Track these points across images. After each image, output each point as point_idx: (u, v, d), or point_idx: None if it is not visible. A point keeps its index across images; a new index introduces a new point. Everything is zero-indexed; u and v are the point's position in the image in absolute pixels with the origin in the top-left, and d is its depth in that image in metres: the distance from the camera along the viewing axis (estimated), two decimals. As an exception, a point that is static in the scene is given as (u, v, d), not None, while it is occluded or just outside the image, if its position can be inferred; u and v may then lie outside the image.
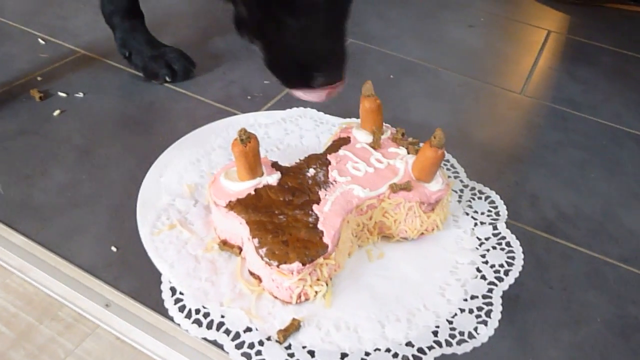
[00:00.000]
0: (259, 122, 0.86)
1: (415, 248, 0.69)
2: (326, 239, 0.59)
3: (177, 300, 0.59)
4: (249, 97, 0.95)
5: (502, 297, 0.64)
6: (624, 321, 0.66)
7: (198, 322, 0.57)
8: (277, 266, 0.57)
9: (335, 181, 0.66)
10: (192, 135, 0.82)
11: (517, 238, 0.73)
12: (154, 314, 0.59)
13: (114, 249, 0.66)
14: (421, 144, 0.72)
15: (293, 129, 0.86)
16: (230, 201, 0.62)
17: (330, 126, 0.87)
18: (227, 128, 0.84)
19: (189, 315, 0.58)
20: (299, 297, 0.60)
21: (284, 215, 0.61)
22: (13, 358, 0.55)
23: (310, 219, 0.61)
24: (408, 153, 0.71)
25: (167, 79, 0.94)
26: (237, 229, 0.62)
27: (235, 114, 0.90)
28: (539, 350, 0.61)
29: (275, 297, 0.60)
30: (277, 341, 0.56)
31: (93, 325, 0.58)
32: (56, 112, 0.86)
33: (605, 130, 0.99)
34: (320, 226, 0.61)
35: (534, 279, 0.69)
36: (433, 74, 1.09)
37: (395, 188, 0.65)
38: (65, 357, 0.55)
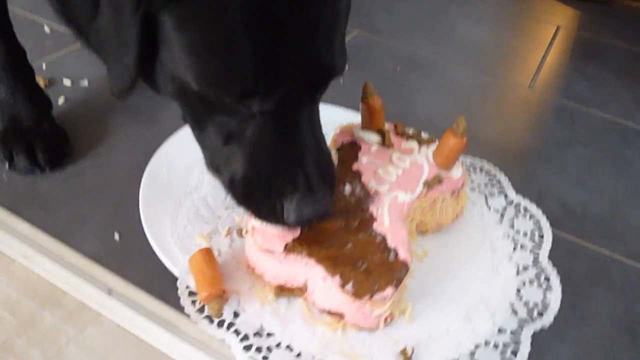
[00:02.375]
0: None
1: (449, 236, 0.69)
2: (403, 255, 0.56)
3: None
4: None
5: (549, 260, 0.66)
6: (630, 318, 0.65)
7: None
8: (370, 298, 0.53)
9: (376, 192, 0.63)
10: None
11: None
12: (157, 302, 0.58)
13: (117, 237, 0.65)
14: (423, 133, 0.72)
15: None
16: (287, 244, 0.56)
17: None
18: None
19: None
20: (386, 320, 0.57)
21: (350, 243, 0.57)
22: (16, 344, 0.54)
23: (378, 239, 0.57)
24: (420, 144, 0.70)
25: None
26: (300, 271, 0.57)
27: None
28: (544, 346, 0.60)
29: (361, 328, 0.56)
30: None
31: (96, 313, 0.58)
32: (61, 100, 0.85)
33: (614, 128, 0.98)
34: (390, 244, 0.57)
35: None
36: (440, 69, 1.08)
37: (430, 184, 0.65)
38: (67, 343, 0.55)
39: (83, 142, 0.78)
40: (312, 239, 0.57)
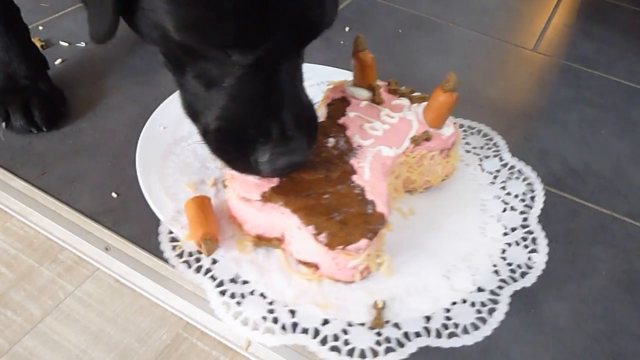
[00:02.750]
0: None
1: (438, 195, 0.68)
2: (380, 208, 0.56)
3: (237, 314, 0.53)
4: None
5: (538, 222, 0.66)
6: (630, 275, 0.65)
7: (270, 331, 0.52)
8: (343, 248, 0.53)
9: (360, 146, 0.62)
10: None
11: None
12: (153, 257, 0.59)
13: (114, 195, 0.65)
14: (417, 93, 0.70)
15: None
16: (264, 192, 0.56)
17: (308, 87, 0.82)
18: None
19: (255, 327, 0.52)
20: (362, 273, 0.57)
21: (328, 194, 0.56)
22: (14, 298, 0.55)
23: (357, 191, 0.57)
24: (411, 102, 0.69)
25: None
26: (277, 220, 0.57)
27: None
28: (542, 303, 0.60)
29: (337, 280, 0.57)
30: (370, 328, 0.53)
31: (93, 268, 0.58)
32: (58, 61, 0.85)
33: (619, 88, 0.97)
34: (369, 196, 0.57)
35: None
36: (443, 29, 1.06)
37: (417, 140, 0.63)
38: (65, 298, 0.55)
39: (80, 102, 0.78)
40: (290, 189, 0.56)
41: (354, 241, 0.53)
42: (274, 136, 0.50)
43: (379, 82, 0.72)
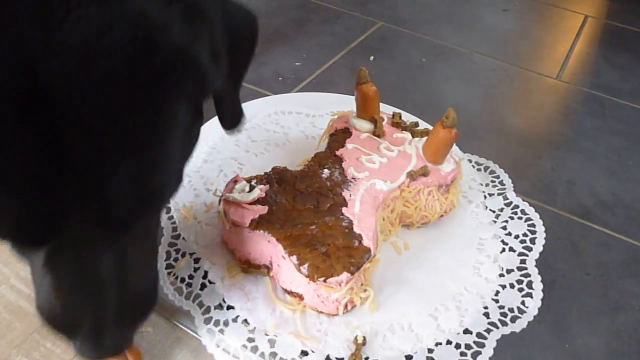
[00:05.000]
0: (237, 128, 0.79)
1: (436, 231, 0.68)
2: (366, 242, 0.56)
3: (220, 342, 0.54)
4: (280, 79, 0.95)
5: (536, 266, 0.64)
6: (664, 310, 0.64)
7: (248, 359, 0.53)
8: (324, 281, 0.53)
9: (354, 178, 0.62)
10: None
11: (552, 223, 0.72)
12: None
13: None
14: (419, 123, 0.71)
15: (276, 129, 0.80)
16: (252, 219, 0.57)
17: (311, 119, 0.83)
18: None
19: (236, 355, 0.53)
20: (346, 306, 0.57)
21: (315, 225, 0.57)
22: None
23: (344, 224, 0.57)
24: (413, 136, 0.69)
25: None
26: (264, 248, 0.58)
27: (266, 95, 0.89)
28: (575, 337, 0.60)
29: (320, 312, 0.57)
30: None
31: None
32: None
33: (645, 118, 0.96)
34: (356, 229, 0.57)
35: (570, 265, 0.68)
36: (467, 59, 1.07)
37: (413, 175, 0.64)
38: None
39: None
40: (279, 218, 0.57)
41: (336, 274, 0.53)
42: (86, 331, 0.43)
43: (386, 114, 0.72)
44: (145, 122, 0.34)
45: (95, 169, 0.34)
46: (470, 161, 0.79)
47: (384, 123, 0.70)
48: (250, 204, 0.58)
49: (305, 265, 0.53)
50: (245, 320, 0.56)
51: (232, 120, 0.51)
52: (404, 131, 0.70)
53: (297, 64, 0.99)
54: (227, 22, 0.41)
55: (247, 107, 0.84)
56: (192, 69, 0.36)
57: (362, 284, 0.57)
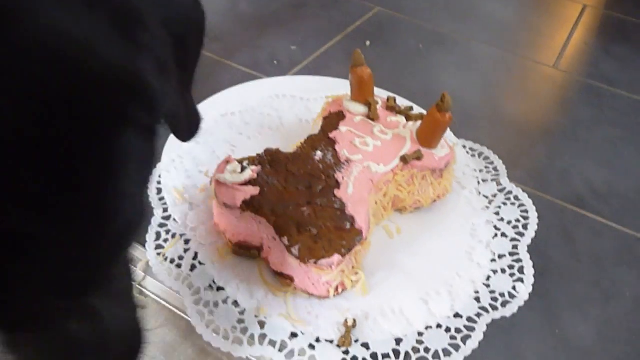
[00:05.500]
0: (231, 110, 0.79)
1: (429, 216, 0.67)
2: (358, 224, 0.55)
3: (209, 323, 0.54)
4: (275, 62, 0.94)
5: (528, 251, 0.64)
6: (656, 298, 0.64)
7: (238, 341, 0.53)
8: (315, 262, 0.52)
9: (347, 161, 0.62)
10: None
11: (546, 211, 0.72)
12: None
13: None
14: (414, 108, 0.70)
15: (270, 112, 0.79)
16: (244, 201, 0.56)
17: (306, 102, 0.82)
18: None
19: (226, 337, 0.53)
20: (336, 289, 0.56)
21: (307, 207, 0.56)
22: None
23: (336, 206, 0.57)
24: (407, 120, 0.68)
25: None
26: (255, 229, 0.57)
27: (261, 78, 0.89)
28: (566, 323, 0.60)
29: (311, 294, 0.57)
30: (338, 345, 0.53)
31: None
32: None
33: (641, 108, 0.96)
34: (348, 212, 0.56)
35: (562, 253, 0.67)
36: (464, 46, 1.06)
37: (407, 159, 0.63)
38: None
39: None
40: (270, 199, 0.57)
41: (327, 256, 0.53)
42: None
43: (381, 98, 0.72)
44: (81, 182, 0.25)
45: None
46: (464, 147, 0.78)
47: (378, 106, 0.69)
48: (241, 185, 0.57)
49: (296, 247, 0.53)
50: (236, 302, 0.56)
51: (189, 130, 0.42)
52: (398, 115, 0.69)
53: (292, 48, 0.98)
54: (166, 16, 0.32)
55: (242, 89, 0.83)
56: (136, 90, 0.26)
57: (353, 267, 0.57)
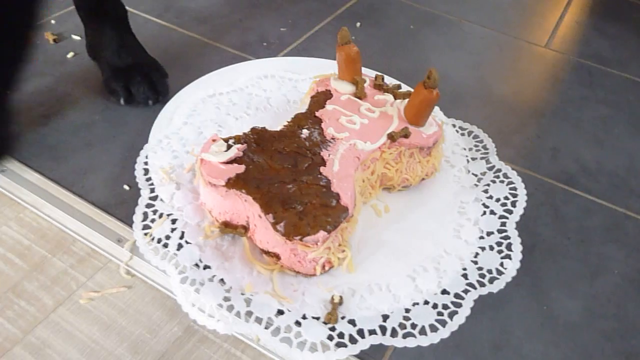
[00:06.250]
0: (219, 91, 0.78)
1: (417, 195, 0.67)
2: (344, 201, 0.55)
3: (195, 301, 0.54)
4: (264, 44, 0.94)
5: (516, 229, 0.64)
6: (643, 274, 0.64)
7: (224, 319, 0.52)
8: (301, 239, 0.52)
9: (334, 138, 0.62)
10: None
11: (535, 189, 0.72)
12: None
13: (126, 187, 0.66)
14: (403, 87, 0.69)
15: (258, 93, 0.79)
16: (229, 179, 0.56)
17: (294, 83, 0.81)
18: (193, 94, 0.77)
19: (211, 314, 0.53)
20: (323, 267, 0.56)
21: (292, 184, 0.56)
22: (27, 289, 0.55)
23: (322, 183, 0.57)
24: (395, 98, 0.68)
25: (121, 102, 0.77)
26: (241, 207, 0.57)
27: (250, 60, 0.88)
28: (554, 300, 0.60)
29: (297, 272, 0.56)
30: (324, 322, 0.53)
31: (105, 260, 0.58)
32: (70, 55, 0.85)
33: (633, 86, 0.95)
34: (334, 189, 0.56)
35: (551, 230, 0.67)
36: (455, 26, 1.06)
37: (394, 137, 0.63)
38: (77, 288, 0.56)
39: (93, 95, 0.78)
40: (255, 177, 0.57)
41: (312, 233, 0.52)
42: None
43: (369, 76, 0.71)
44: None
45: None
46: (454, 126, 0.78)
47: (365, 85, 0.69)
48: (226, 163, 0.57)
49: (282, 224, 0.53)
50: (222, 280, 0.56)
51: None
52: (385, 93, 0.69)
53: (282, 29, 0.98)
54: None
55: (230, 70, 0.83)
56: None
57: (339, 245, 0.56)
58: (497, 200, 0.67)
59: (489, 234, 0.63)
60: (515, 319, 0.58)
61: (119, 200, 0.64)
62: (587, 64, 0.99)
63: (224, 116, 0.74)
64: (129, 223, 0.61)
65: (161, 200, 0.62)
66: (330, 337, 0.52)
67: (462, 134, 0.77)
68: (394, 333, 0.53)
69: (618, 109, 0.89)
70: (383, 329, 0.53)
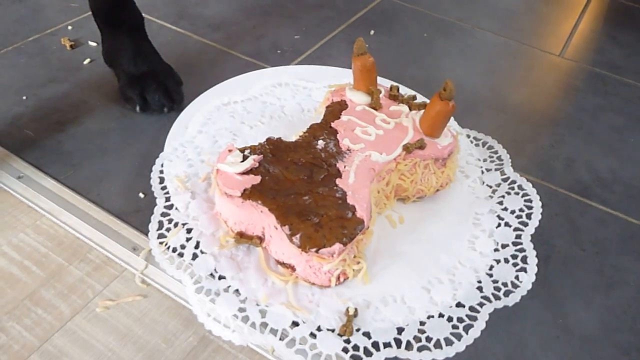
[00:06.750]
0: (233, 99, 0.78)
1: (432, 206, 0.67)
2: (360, 213, 0.55)
3: (211, 311, 0.54)
4: (278, 52, 0.94)
5: (531, 241, 0.64)
6: (659, 287, 0.64)
7: (240, 330, 0.53)
8: (316, 251, 0.52)
9: (349, 150, 0.62)
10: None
11: (550, 200, 0.71)
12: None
13: (141, 195, 0.66)
14: (418, 97, 0.69)
15: (272, 101, 0.79)
16: (245, 189, 0.56)
17: (308, 91, 0.82)
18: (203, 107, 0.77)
19: (227, 325, 0.53)
20: (338, 278, 0.56)
21: (308, 196, 0.56)
22: (44, 296, 0.56)
23: (338, 195, 0.57)
24: (410, 109, 0.68)
25: (137, 109, 0.77)
26: (256, 218, 0.57)
27: (264, 67, 0.88)
28: (569, 312, 0.60)
29: (313, 283, 0.57)
30: (339, 334, 0.53)
31: (121, 268, 0.59)
32: (86, 61, 0.86)
33: (648, 96, 0.95)
34: (350, 200, 0.56)
35: (566, 241, 0.67)
36: (469, 34, 1.05)
37: (410, 148, 0.62)
38: (93, 297, 0.56)
39: (108, 101, 0.79)
40: (271, 188, 0.57)
41: (328, 245, 0.52)
42: None
43: (384, 87, 0.71)
44: None
45: None
46: (468, 136, 0.78)
47: (381, 95, 0.69)
48: (242, 174, 0.57)
49: (297, 236, 0.53)
50: (237, 291, 0.56)
51: None
52: (401, 104, 0.69)
53: (296, 37, 0.98)
54: None
55: (244, 78, 0.83)
56: None
57: (355, 256, 0.57)
58: (512, 212, 0.67)
59: (504, 246, 0.63)
60: (530, 332, 0.57)
61: (134, 208, 0.65)
62: (601, 73, 0.98)
63: (239, 125, 0.74)
64: (144, 231, 0.61)
65: (176, 209, 0.63)
66: (345, 350, 0.52)
67: (477, 145, 0.77)
68: (408, 346, 0.53)
69: (633, 118, 0.89)
70: (398, 342, 0.53)
